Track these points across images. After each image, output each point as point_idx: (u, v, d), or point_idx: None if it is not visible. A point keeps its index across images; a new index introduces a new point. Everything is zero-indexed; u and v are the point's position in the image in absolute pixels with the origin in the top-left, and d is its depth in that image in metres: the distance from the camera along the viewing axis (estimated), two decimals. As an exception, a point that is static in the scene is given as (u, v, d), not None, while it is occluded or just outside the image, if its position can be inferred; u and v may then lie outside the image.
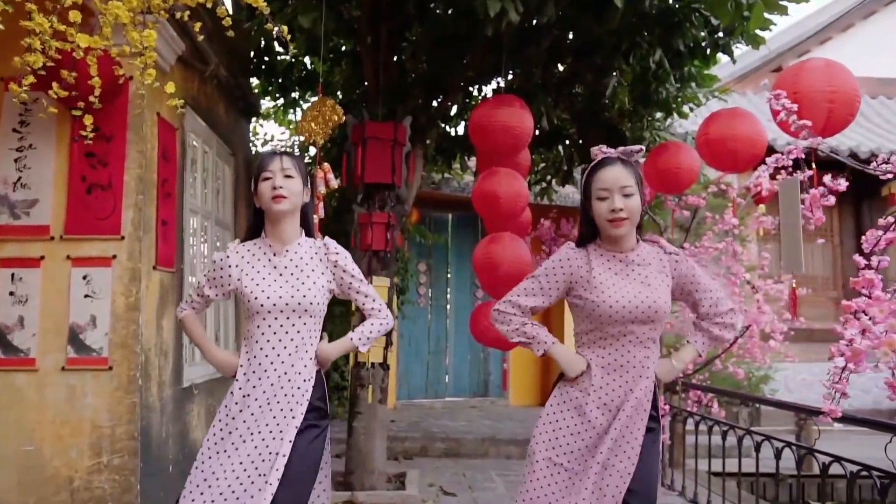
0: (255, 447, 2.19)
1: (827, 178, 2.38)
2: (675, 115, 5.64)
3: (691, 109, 5.43)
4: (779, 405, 4.08)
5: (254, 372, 2.27)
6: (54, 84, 2.86)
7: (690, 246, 4.90)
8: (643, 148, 2.26)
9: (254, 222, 2.44)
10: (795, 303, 2.65)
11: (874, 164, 2.35)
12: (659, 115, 5.59)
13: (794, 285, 2.67)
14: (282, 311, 2.27)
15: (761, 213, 5.42)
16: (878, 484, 2.81)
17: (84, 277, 3.44)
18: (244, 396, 2.26)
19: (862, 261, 2.11)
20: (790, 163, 2.44)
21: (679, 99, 5.25)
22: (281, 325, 2.28)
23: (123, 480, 3.35)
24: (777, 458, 3.74)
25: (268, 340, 2.27)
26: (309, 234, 2.44)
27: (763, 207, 5.56)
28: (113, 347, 3.40)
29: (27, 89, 2.56)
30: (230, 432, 2.22)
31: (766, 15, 3.69)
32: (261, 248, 2.38)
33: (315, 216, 3.37)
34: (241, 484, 2.14)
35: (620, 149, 2.27)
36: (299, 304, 2.27)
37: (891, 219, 2.17)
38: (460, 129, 6.48)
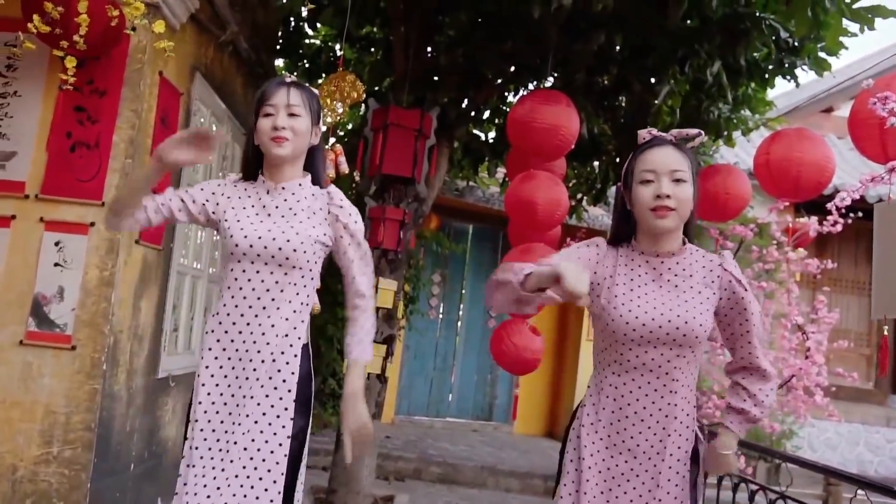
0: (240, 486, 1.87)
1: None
2: (722, 141, 5.24)
3: (744, 133, 4.99)
4: (854, 481, 3.32)
5: (225, 343, 1.92)
6: (35, 17, 2.52)
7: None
8: (702, 133, 1.84)
9: (251, 161, 2.05)
10: (886, 354, 2.22)
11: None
12: (705, 138, 5.18)
13: (885, 333, 2.22)
14: (259, 255, 1.91)
15: (801, 256, 4.97)
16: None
17: (56, 244, 3.08)
18: (217, 385, 1.91)
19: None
20: (893, 182, 2.02)
21: (732, 122, 4.82)
22: (258, 272, 1.92)
23: (73, 476, 2.97)
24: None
25: (240, 288, 1.92)
26: (315, 181, 2.05)
27: (802, 251, 5.10)
28: (79, 325, 3.03)
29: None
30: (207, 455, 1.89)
31: (845, 21, 3.27)
32: (254, 187, 2.03)
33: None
34: None
35: (674, 131, 1.84)
36: (280, 249, 1.90)
37: None
38: (491, 135, 6.08)
